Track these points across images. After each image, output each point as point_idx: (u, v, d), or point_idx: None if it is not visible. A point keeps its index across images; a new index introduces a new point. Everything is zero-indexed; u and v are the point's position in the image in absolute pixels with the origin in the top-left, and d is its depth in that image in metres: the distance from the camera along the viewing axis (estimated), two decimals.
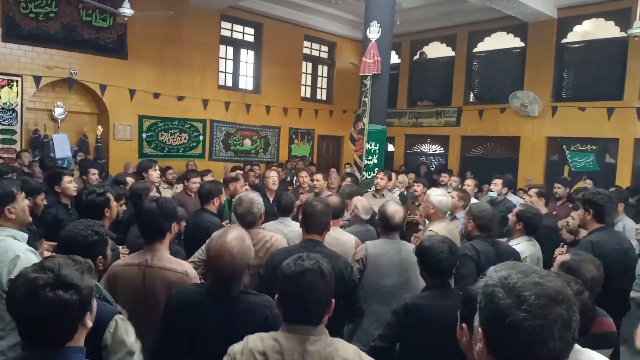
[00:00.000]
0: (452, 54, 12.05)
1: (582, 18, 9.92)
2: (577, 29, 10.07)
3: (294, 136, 12.56)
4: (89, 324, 1.51)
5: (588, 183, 7.21)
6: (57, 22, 8.69)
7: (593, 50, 9.89)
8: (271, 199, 5.43)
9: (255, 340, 1.73)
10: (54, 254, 2.18)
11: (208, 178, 6.17)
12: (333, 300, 1.76)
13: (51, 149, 8.53)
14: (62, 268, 1.45)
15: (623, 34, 8.76)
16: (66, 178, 4.20)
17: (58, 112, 8.84)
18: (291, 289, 1.72)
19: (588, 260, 2.35)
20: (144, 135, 9.99)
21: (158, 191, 5.50)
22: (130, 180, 5.28)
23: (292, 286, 1.71)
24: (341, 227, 3.93)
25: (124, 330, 1.91)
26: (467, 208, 3.90)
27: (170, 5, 9.28)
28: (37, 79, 8.51)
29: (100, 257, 2.21)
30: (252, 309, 2.05)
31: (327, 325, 1.77)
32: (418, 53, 12.84)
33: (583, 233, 3.68)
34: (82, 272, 1.50)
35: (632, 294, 3.46)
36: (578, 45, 10.17)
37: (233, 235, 2.10)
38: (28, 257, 2.39)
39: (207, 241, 2.18)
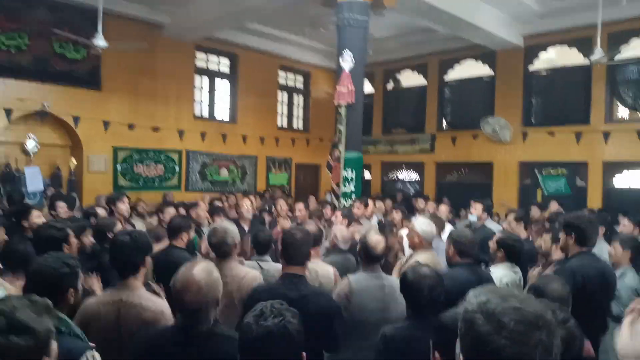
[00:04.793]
0: (424, 82, 12.30)
1: (547, 45, 10.27)
2: (542, 56, 10.41)
3: (271, 165, 12.56)
4: None
5: (553, 205, 7.25)
6: (29, 55, 8.62)
7: (559, 76, 10.24)
8: (246, 228, 5.39)
9: None
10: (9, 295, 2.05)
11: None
12: (304, 354, 1.63)
13: (22, 182, 8.33)
14: (16, 311, 1.35)
15: (586, 61, 9.09)
16: (35, 213, 4.12)
17: (30, 145, 8.66)
18: (255, 357, 1.56)
19: (552, 280, 2.39)
20: (119, 167, 9.85)
21: (130, 224, 5.40)
22: (102, 212, 5.17)
23: (255, 354, 1.55)
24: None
25: None
26: (442, 234, 3.91)
27: (144, 36, 9.33)
28: (8, 112, 8.39)
29: (71, 289, 2.08)
30: (226, 349, 1.90)
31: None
32: (391, 81, 13.09)
33: (557, 255, 3.72)
34: (39, 313, 1.40)
35: (615, 308, 3.49)
36: (545, 73, 10.51)
37: (200, 268, 2.03)
38: None
39: (174, 275, 2.07)
